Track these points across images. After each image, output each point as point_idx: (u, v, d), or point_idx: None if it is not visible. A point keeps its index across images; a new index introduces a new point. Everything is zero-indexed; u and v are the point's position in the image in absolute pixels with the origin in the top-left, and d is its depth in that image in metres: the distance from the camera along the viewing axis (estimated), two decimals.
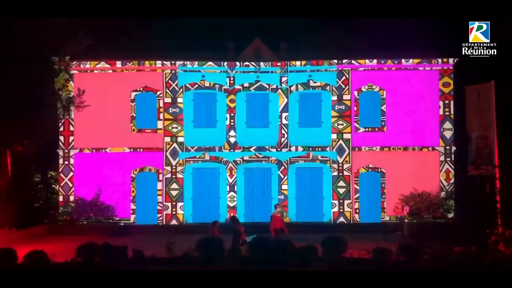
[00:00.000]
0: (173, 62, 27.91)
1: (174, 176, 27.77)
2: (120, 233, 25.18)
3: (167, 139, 27.92)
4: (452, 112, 27.81)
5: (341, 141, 27.89)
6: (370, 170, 27.93)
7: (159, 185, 27.81)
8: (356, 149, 27.88)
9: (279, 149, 27.99)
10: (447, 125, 27.86)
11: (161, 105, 27.91)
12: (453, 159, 27.73)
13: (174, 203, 27.60)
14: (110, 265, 16.92)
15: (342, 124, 27.92)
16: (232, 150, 27.98)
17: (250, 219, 27.32)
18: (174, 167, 27.78)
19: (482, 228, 15.06)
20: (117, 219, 27.11)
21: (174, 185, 27.78)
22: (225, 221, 24.84)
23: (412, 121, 27.94)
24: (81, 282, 14.44)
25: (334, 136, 27.92)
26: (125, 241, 19.25)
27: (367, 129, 27.99)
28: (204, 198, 28.01)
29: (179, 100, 27.95)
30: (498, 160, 21.81)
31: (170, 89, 27.92)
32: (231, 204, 27.81)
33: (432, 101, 28.01)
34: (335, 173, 27.82)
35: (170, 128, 27.94)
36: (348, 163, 27.82)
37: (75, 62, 27.17)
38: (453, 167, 27.70)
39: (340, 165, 27.83)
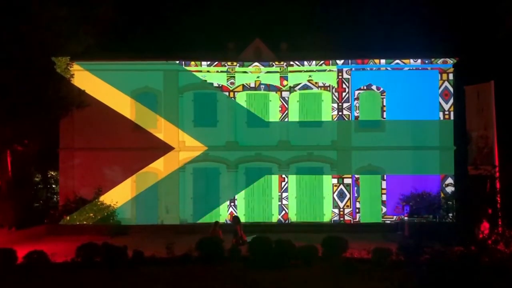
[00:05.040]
0: (173, 62, 27.92)
1: None
2: (120, 233, 25.16)
3: None
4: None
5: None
6: (370, 170, 27.93)
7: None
8: (356, 148, 27.90)
9: (279, 149, 27.99)
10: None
11: (162, 104, 27.93)
12: (453, 159, 27.73)
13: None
14: (110, 265, 16.93)
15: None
16: (232, 150, 27.99)
17: (250, 219, 27.33)
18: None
19: (482, 228, 15.01)
20: (117, 219, 27.06)
21: None
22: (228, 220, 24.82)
23: (412, 121, 27.90)
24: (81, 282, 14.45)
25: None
26: (125, 241, 19.28)
27: (367, 129, 27.98)
28: (204, 198, 28.01)
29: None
30: (498, 160, 21.75)
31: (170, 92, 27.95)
32: (232, 204, 27.83)
33: (432, 101, 27.99)
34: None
35: None
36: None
37: (75, 62, 27.21)
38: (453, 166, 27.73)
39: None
